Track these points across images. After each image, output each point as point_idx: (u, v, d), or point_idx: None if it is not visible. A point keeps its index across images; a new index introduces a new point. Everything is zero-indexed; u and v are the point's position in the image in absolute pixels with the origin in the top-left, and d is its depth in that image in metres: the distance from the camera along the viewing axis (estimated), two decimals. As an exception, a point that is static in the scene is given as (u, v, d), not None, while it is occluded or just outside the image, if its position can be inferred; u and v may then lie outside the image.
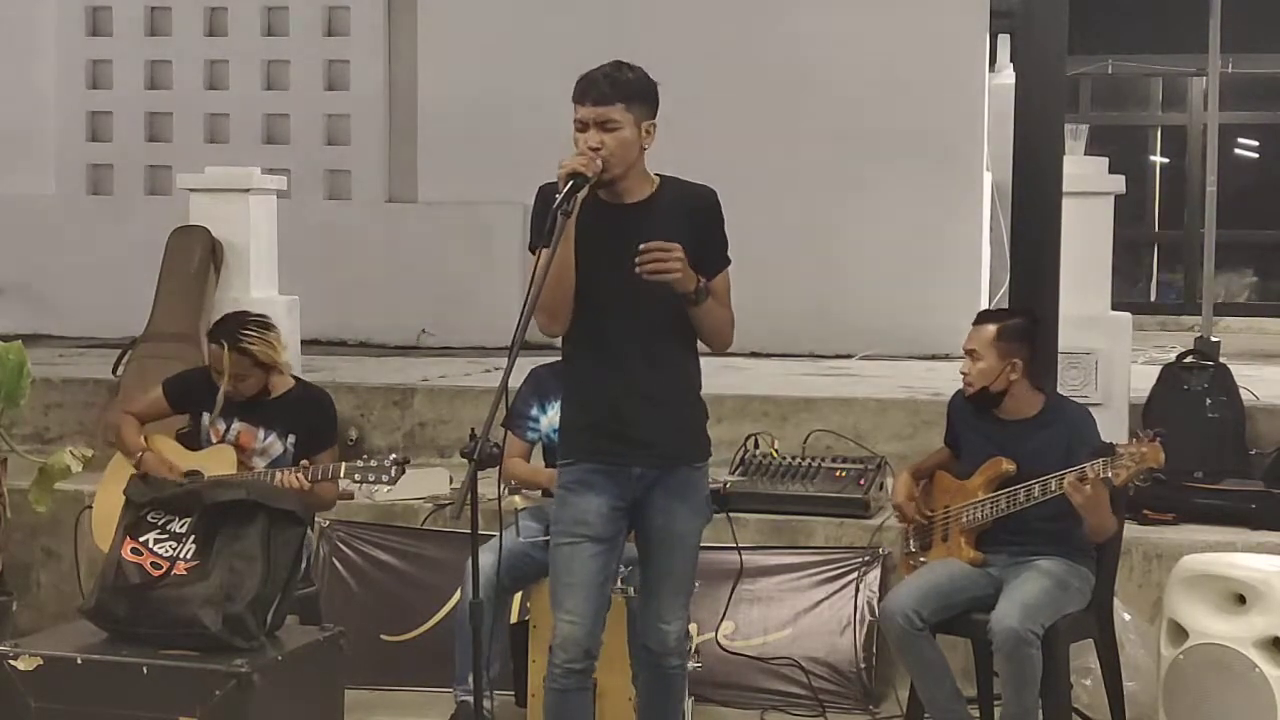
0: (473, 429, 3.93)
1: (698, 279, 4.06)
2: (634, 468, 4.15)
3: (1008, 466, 4.93)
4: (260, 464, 5.34)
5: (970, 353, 5.04)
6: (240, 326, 5.44)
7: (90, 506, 5.56)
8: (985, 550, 4.96)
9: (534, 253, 4.04)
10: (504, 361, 3.96)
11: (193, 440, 5.45)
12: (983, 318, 5.17)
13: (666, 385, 4.18)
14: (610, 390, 4.13)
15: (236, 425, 5.39)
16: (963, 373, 5.07)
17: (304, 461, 5.26)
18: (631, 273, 3.99)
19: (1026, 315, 5.15)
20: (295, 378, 5.55)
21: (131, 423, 5.50)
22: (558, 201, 3.91)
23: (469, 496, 4.02)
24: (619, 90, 4.05)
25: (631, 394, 4.13)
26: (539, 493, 5.48)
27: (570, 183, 3.93)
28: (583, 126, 4.05)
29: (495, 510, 4.36)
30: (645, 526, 4.23)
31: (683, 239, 4.08)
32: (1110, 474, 4.67)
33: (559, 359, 5.47)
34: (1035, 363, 5.06)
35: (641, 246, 3.98)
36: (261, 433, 5.38)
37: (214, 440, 5.39)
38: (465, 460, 4.05)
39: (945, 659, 4.86)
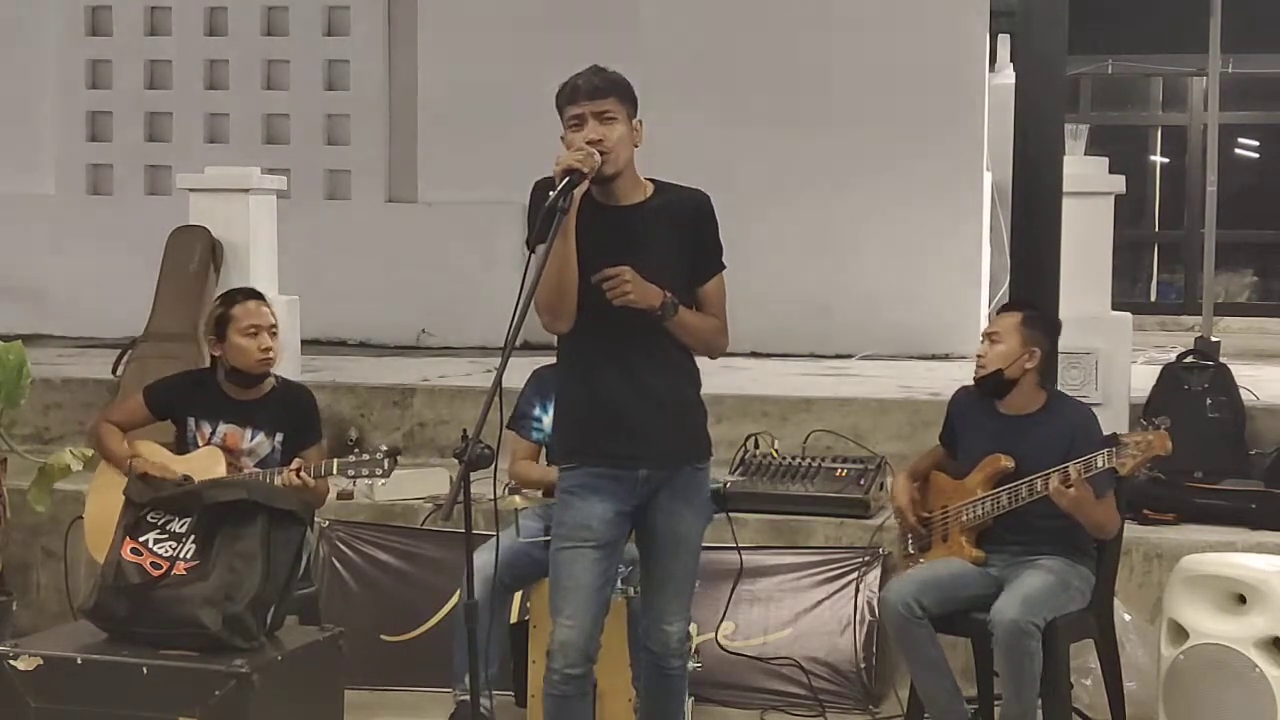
0: (465, 430, 3.90)
1: (663, 295, 4.03)
2: (640, 470, 4.13)
3: (1006, 463, 4.92)
4: (249, 464, 5.30)
5: (990, 335, 5.03)
6: (252, 289, 5.62)
7: (82, 517, 5.51)
8: (986, 550, 4.96)
9: (531, 250, 3.94)
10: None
11: (180, 445, 5.41)
12: (1008, 306, 5.19)
13: (669, 386, 4.17)
14: (614, 392, 4.10)
15: (223, 427, 5.34)
16: (978, 355, 5.05)
17: (298, 460, 5.24)
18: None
19: (1051, 312, 5.17)
20: (276, 376, 5.50)
21: (113, 432, 5.40)
22: (551, 199, 3.87)
23: (459, 497, 3.99)
24: (611, 86, 4.05)
25: (636, 395, 4.11)
26: (540, 493, 5.48)
27: (566, 179, 3.89)
28: (578, 123, 4.02)
29: (493, 510, 4.34)
30: (649, 528, 4.21)
31: (677, 243, 4.11)
32: (1116, 464, 4.67)
33: (560, 360, 5.48)
34: (1048, 362, 5.08)
35: (594, 279, 3.98)
36: (249, 433, 5.34)
37: (200, 444, 5.36)
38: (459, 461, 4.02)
39: (943, 652, 4.84)
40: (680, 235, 4.13)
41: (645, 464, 4.13)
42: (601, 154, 3.97)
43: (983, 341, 5.08)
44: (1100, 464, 4.70)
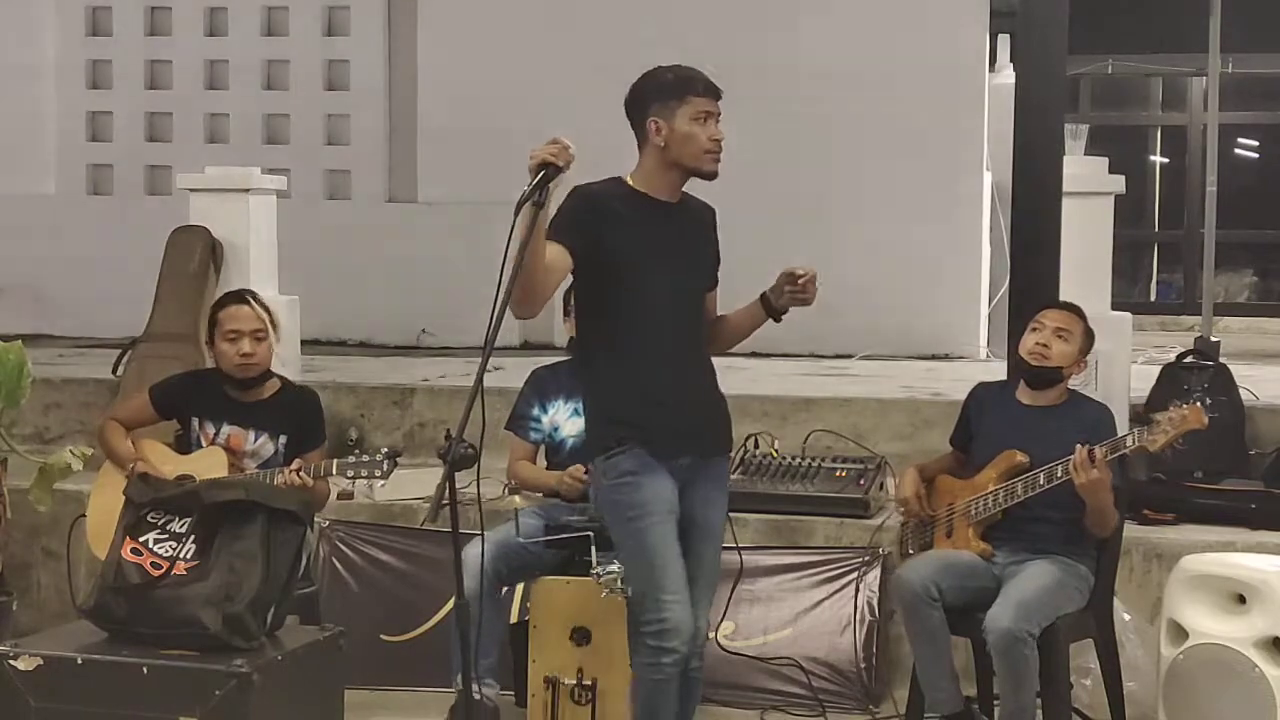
0: (448, 430, 3.89)
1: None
2: (683, 457, 4.19)
3: (1021, 458, 4.92)
4: (251, 466, 5.29)
5: (1061, 332, 5.01)
6: (248, 293, 5.51)
7: (84, 515, 5.51)
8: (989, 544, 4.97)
9: (557, 243, 4.04)
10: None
11: (183, 445, 5.41)
12: (1070, 307, 5.15)
13: (705, 376, 4.32)
14: (661, 379, 4.17)
15: (227, 428, 5.34)
16: (1039, 343, 5.01)
17: (297, 461, 5.23)
18: (677, 267, 4.17)
19: None
20: (281, 379, 5.51)
21: (118, 430, 5.41)
22: (525, 194, 3.88)
23: (443, 499, 3.96)
24: None
25: (681, 383, 4.20)
26: (539, 492, 5.48)
27: (541, 173, 3.89)
28: (706, 117, 4.22)
29: (484, 510, 4.32)
30: (685, 518, 4.22)
31: (706, 245, 4.33)
32: (1146, 441, 4.69)
33: (559, 360, 5.52)
34: None
35: (784, 278, 4.18)
36: (252, 434, 5.34)
37: (204, 444, 5.36)
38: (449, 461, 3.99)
39: (949, 638, 4.84)
40: (708, 239, 4.35)
41: (689, 451, 4.21)
42: (719, 154, 4.21)
43: (1038, 330, 5.04)
44: (1130, 443, 4.71)
